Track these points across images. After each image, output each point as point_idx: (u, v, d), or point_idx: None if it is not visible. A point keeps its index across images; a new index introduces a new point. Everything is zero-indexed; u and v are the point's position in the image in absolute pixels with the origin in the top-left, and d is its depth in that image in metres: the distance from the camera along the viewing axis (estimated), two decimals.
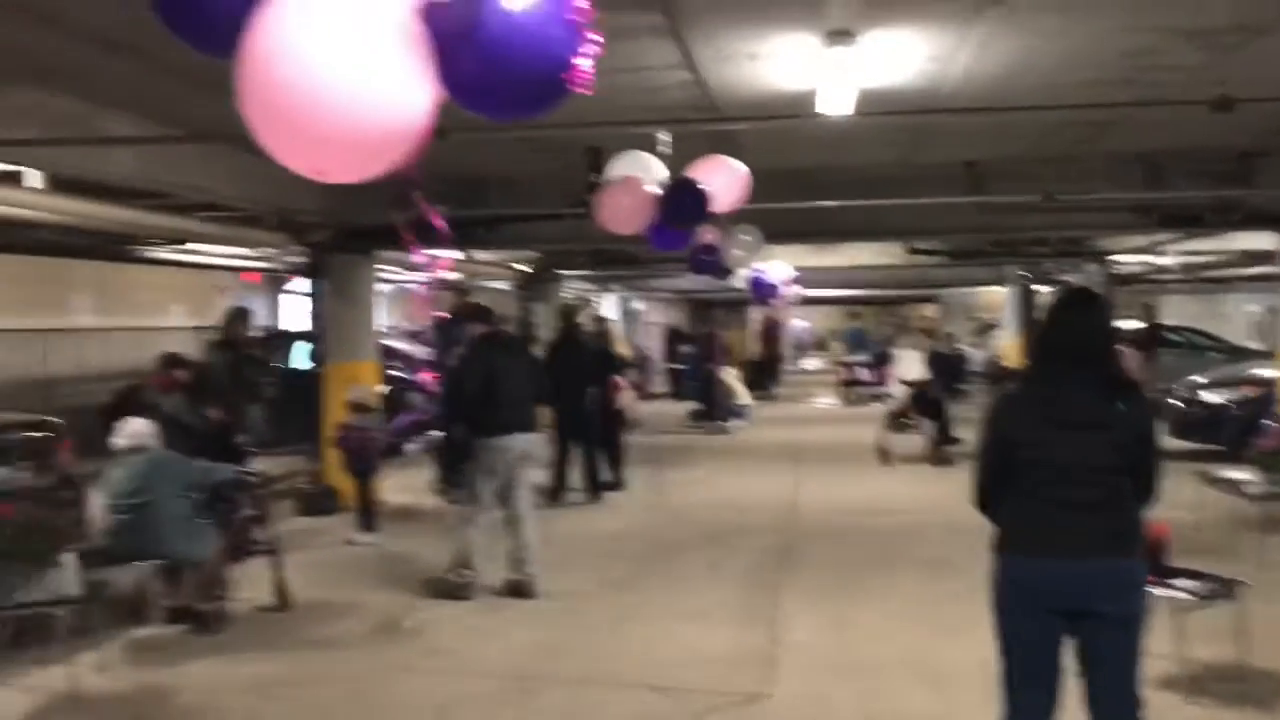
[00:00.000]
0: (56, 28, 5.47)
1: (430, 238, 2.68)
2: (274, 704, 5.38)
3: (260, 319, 18.17)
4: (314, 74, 2.04)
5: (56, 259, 12.62)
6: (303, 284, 15.95)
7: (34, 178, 7.75)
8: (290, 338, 15.12)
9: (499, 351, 7.44)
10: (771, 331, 24.69)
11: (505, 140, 8.26)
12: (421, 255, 2.68)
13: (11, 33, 5.36)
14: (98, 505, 6.32)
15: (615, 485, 11.25)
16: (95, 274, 14.47)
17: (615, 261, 17.91)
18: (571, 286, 21.45)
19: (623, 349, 13.84)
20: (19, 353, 13.44)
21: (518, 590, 7.28)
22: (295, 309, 17.88)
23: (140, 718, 5.27)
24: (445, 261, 10.42)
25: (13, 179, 7.56)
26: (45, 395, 13.46)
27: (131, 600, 6.71)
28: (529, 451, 7.43)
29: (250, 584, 7.12)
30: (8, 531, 5.38)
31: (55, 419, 7.71)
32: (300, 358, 13.89)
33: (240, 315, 9.80)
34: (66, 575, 5.52)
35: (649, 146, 7.08)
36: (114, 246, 11.91)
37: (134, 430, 6.48)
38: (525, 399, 7.38)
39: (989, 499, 3.70)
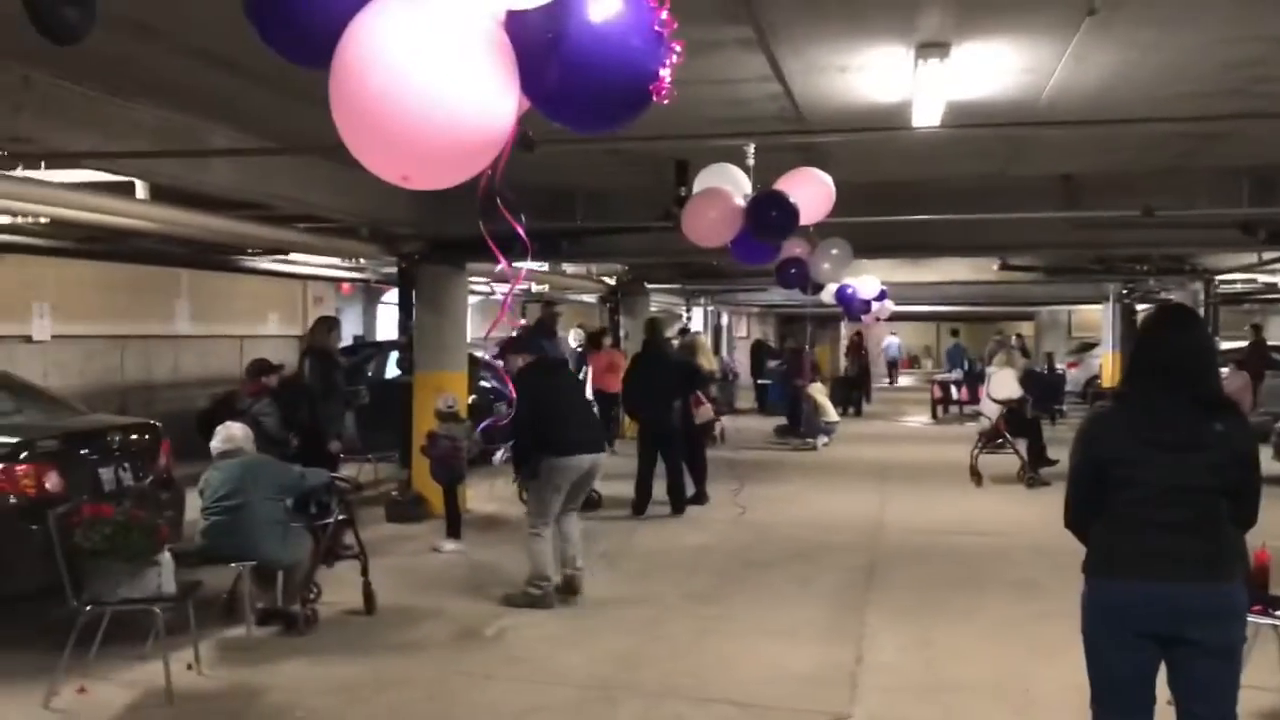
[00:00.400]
0: (160, 42, 5.66)
1: (514, 248, 2.70)
2: (358, 706, 5.47)
3: (356, 329, 18.63)
4: (401, 81, 2.08)
5: (159, 267, 13.07)
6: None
7: (141, 188, 8.04)
8: (385, 347, 15.39)
9: (545, 375, 7.61)
10: (860, 347, 24.43)
11: (593, 153, 8.32)
12: (506, 266, 2.69)
13: (118, 46, 5.55)
14: (198, 506, 6.51)
15: (699, 499, 11.22)
16: (195, 282, 14.93)
17: (702, 275, 17.95)
18: (658, 300, 21.53)
19: (708, 362, 13.79)
20: (122, 358, 13.91)
21: (568, 587, 7.42)
22: (390, 319, 18.20)
23: (230, 715, 5.38)
24: (523, 273, 10.52)
25: (125, 190, 7.85)
26: (146, 399, 13.93)
27: (225, 601, 6.90)
28: (594, 469, 7.53)
29: (338, 588, 7.26)
30: (108, 530, 5.54)
31: (155, 422, 7.94)
32: (393, 368, 14.13)
33: (329, 324, 10.02)
34: (164, 574, 5.67)
35: (736, 159, 7.07)
36: (214, 256, 12.30)
37: (230, 434, 6.65)
38: (589, 418, 7.64)
39: (1081, 519, 3.60)
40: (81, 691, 5.59)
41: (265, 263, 13.19)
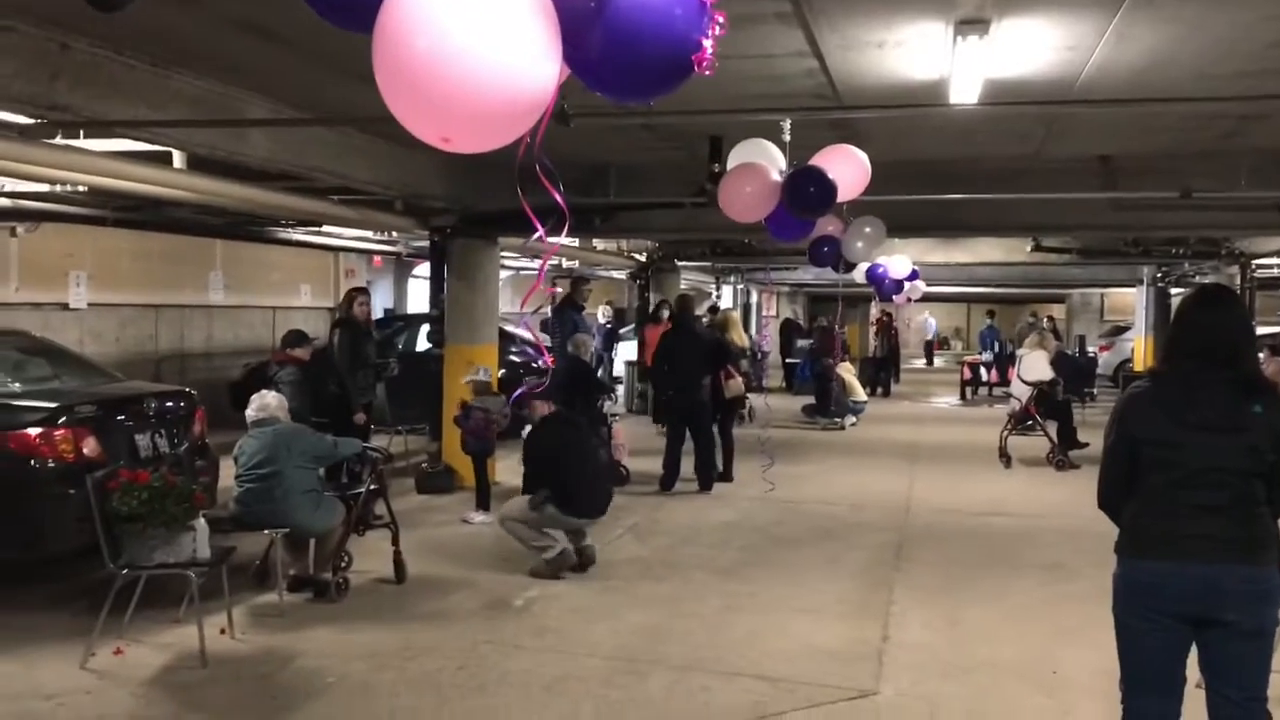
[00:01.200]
0: (200, 11, 5.69)
1: (552, 219, 2.71)
2: (387, 673, 5.53)
3: (387, 302, 18.73)
4: (444, 42, 2.08)
5: (194, 238, 13.17)
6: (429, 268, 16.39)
7: (178, 158, 8.10)
8: (415, 320, 15.47)
9: (565, 429, 7.74)
10: (890, 327, 24.32)
11: (627, 127, 8.31)
12: (543, 235, 2.69)
13: (159, 16, 5.59)
14: (232, 473, 6.59)
15: (726, 476, 11.23)
16: (229, 253, 15.04)
17: (733, 252, 17.90)
18: (688, 277, 21.49)
19: (740, 338, 13.75)
20: (158, 327, 14.05)
21: (583, 562, 7.55)
22: (422, 293, 18.28)
23: (262, 679, 5.46)
24: (556, 246, 10.51)
25: (162, 159, 7.91)
26: (180, 368, 14.07)
27: (257, 567, 6.99)
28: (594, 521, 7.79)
29: (369, 557, 7.34)
30: (144, 495, 5.62)
31: (191, 390, 8.03)
32: (424, 341, 14.21)
33: (360, 296, 10.07)
34: (199, 540, 5.75)
35: (771, 135, 7.04)
36: (247, 227, 12.39)
37: (264, 403, 6.71)
38: (603, 482, 7.89)
39: (1114, 499, 3.59)
40: (118, 653, 5.70)
41: (298, 234, 13.28)
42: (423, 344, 13.84)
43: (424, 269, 15.81)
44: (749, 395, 13.73)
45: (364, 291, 10.32)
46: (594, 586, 7.24)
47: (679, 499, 10.49)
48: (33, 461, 6.44)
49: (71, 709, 5.01)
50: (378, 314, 15.41)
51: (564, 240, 12.91)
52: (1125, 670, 3.54)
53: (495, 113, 2.16)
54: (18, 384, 7.21)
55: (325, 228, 13.16)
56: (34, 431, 6.47)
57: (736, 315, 15.74)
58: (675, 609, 6.76)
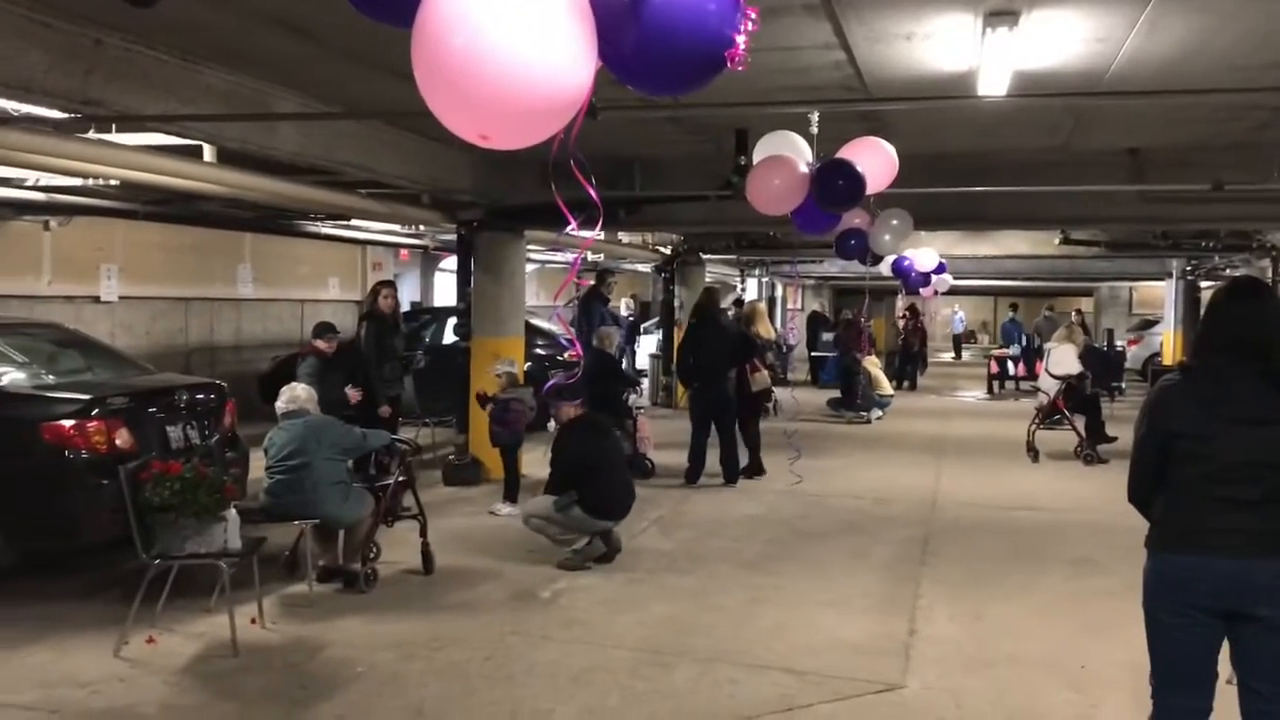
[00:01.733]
0: (232, 7, 5.74)
1: (585, 213, 2.73)
2: (415, 663, 5.57)
3: (414, 295, 18.82)
4: (482, 40, 2.10)
5: (223, 231, 13.28)
6: (455, 261, 16.47)
7: (209, 152, 8.17)
8: (442, 313, 15.54)
9: (592, 433, 7.85)
10: (916, 320, 24.21)
11: (652, 120, 8.31)
12: (576, 228, 2.71)
13: (190, 11, 5.64)
14: (262, 464, 6.65)
15: (754, 470, 11.22)
16: (257, 247, 15.15)
17: (758, 245, 17.87)
18: (713, 270, 21.47)
19: (766, 330, 13.73)
20: (188, 320, 14.17)
21: (609, 553, 7.64)
22: (448, 286, 18.35)
23: (292, 668, 5.52)
24: (589, 240, 10.53)
25: (192, 153, 7.97)
26: (209, 360, 14.19)
27: (287, 557, 7.05)
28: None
29: (398, 548, 7.39)
30: (176, 486, 5.68)
31: (221, 382, 8.10)
32: (448, 333, 14.27)
33: (386, 289, 10.13)
34: (229, 530, 5.81)
35: (797, 127, 7.03)
36: (276, 220, 12.47)
37: (294, 395, 6.77)
38: (627, 486, 7.92)
39: (1144, 493, 3.57)
40: (150, 642, 5.77)
41: (326, 228, 13.36)
42: (449, 337, 13.91)
43: (450, 262, 15.88)
44: (775, 389, 13.70)
45: (390, 284, 10.37)
46: (620, 578, 7.27)
47: (704, 492, 10.51)
48: (66, 452, 6.52)
49: (105, 696, 5.08)
50: (405, 307, 15.50)
51: (589, 234, 12.92)
52: (1155, 666, 3.52)
53: (533, 110, 2.18)
54: (52, 376, 7.29)
55: (353, 221, 13.23)
56: (68, 423, 6.55)
57: (763, 307, 15.73)
58: (701, 601, 6.78)
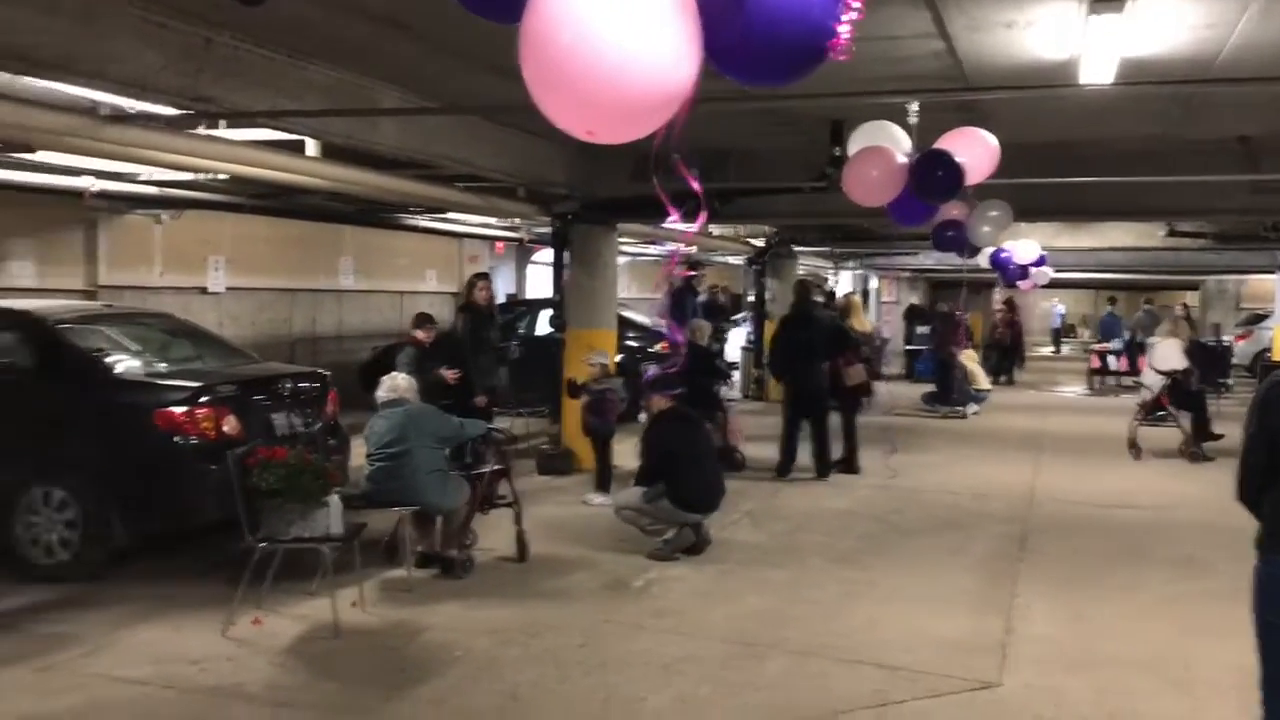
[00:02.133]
0: (336, 4, 5.88)
1: (690, 205, 2.75)
2: (510, 649, 5.66)
3: (509, 287, 19.04)
4: (590, 37, 2.13)
5: (325, 224, 13.58)
6: (549, 254, 16.65)
7: (311, 147, 8.37)
8: (536, 305, 15.70)
9: (683, 426, 7.89)
10: (1015, 314, 23.72)
11: (747, 112, 8.29)
12: (676, 222, 2.75)
13: (298, 9, 5.79)
14: (362, 452, 6.81)
15: (849, 466, 11.10)
16: (358, 239, 15.47)
17: (852, 238, 17.70)
18: (805, 263, 21.31)
19: (860, 323, 13.56)
20: (293, 310, 14.54)
21: (698, 545, 7.65)
22: (541, 278, 18.52)
23: (392, 651, 5.65)
24: (689, 232, 10.55)
25: (295, 148, 8.19)
26: (311, 350, 14.54)
27: (387, 543, 7.21)
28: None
29: (493, 535, 7.51)
30: (282, 472, 5.85)
31: (325, 371, 8.30)
32: (541, 325, 14.41)
33: (482, 281, 10.28)
34: (332, 515, 5.97)
35: (894, 118, 6.95)
36: (376, 214, 12.73)
37: (394, 384, 6.92)
38: (717, 480, 7.90)
39: (1254, 492, 3.48)
40: (256, 623, 5.96)
41: (424, 221, 13.60)
42: (544, 328, 14.04)
43: (544, 255, 16.04)
44: (872, 383, 13.56)
45: (485, 277, 10.52)
46: (711, 570, 7.28)
47: (795, 485, 10.46)
48: (176, 438, 6.74)
49: (213, 674, 5.26)
50: (500, 299, 15.69)
51: (682, 227, 12.93)
52: (1265, 670, 3.42)
53: (639, 105, 2.21)
54: (163, 364, 7.54)
55: (449, 214, 13.44)
56: (178, 409, 6.77)
57: (859, 300, 15.57)
58: (793, 595, 6.76)
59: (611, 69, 2.14)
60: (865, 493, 10.17)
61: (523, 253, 19.40)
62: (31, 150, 7.78)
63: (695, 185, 2.58)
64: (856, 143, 7.13)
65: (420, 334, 9.00)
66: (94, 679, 5.19)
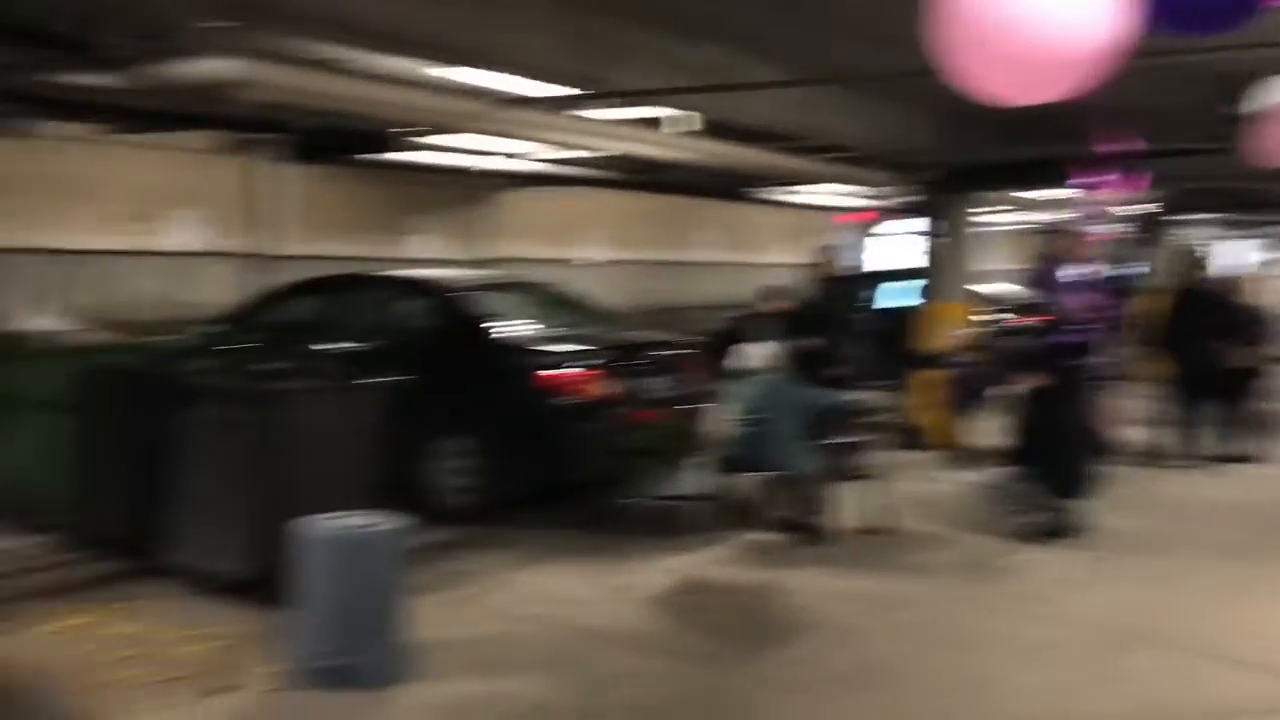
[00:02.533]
0: None
1: (1126, 165, 2.69)
2: (869, 620, 5.72)
3: (850, 259, 18.89)
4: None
5: (688, 199, 14.07)
6: (891, 225, 16.40)
7: (671, 123, 8.63)
8: (877, 278, 15.46)
9: (1054, 408, 7.49)
10: None
11: (1145, 69, 7.75)
12: (1094, 186, 2.69)
13: None
14: (723, 418, 7.08)
15: (1243, 455, 10.15)
16: (718, 213, 15.89)
17: (1246, 205, 16.10)
18: (1189, 232, 19.62)
19: (1256, 299, 12.31)
20: (656, 281, 15.21)
21: (1064, 529, 7.30)
22: (879, 251, 18.27)
23: (750, 610, 5.88)
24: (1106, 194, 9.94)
25: (651, 124, 8.51)
26: (675, 319, 15.14)
27: (744, 506, 7.46)
28: None
29: (848, 506, 7.57)
30: (655, 433, 6.19)
31: (692, 339, 8.63)
32: (886, 298, 14.14)
33: (833, 254, 10.31)
34: (698, 476, 6.26)
35: None
36: (736, 189, 13.04)
37: (764, 353, 7.13)
38: (1085, 460, 7.58)
39: None
40: (626, 574, 6.34)
41: (777, 194, 13.77)
42: (898, 300, 13.82)
43: (899, 226, 15.77)
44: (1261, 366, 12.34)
45: (838, 249, 10.52)
46: (1077, 556, 6.98)
47: (1175, 472, 9.75)
48: (557, 399, 7.26)
49: (589, 616, 5.70)
50: (852, 271, 15.59)
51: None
52: None
53: (1064, 65, 2.17)
54: (545, 330, 8.13)
55: (801, 187, 13.50)
56: (559, 372, 7.30)
57: (1254, 275, 14.15)
58: (1166, 587, 6.37)
59: (1035, 28, 2.11)
60: (1253, 483, 9.32)
61: (874, 225, 19.13)
62: (450, 133, 8.47)
63: (1132, 146, 2.52)
64: (1259, 100, 6.53)
65: (776, 306, 9.16)
66: (499, 613, 5.72)
